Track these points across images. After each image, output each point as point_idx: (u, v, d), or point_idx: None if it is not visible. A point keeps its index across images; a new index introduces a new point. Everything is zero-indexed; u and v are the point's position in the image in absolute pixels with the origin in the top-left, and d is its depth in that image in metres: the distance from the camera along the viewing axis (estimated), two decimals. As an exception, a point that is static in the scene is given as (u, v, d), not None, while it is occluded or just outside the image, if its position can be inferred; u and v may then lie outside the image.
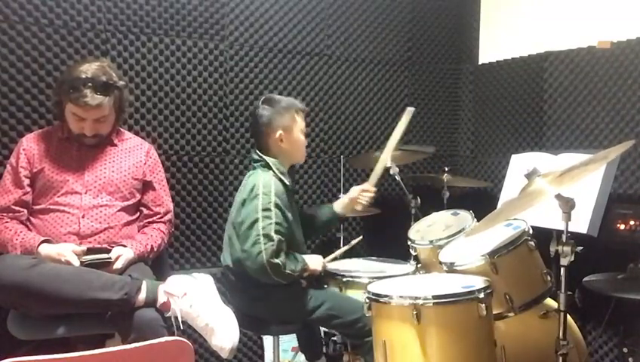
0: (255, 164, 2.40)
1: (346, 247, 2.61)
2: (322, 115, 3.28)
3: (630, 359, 2.48)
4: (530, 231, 2.21)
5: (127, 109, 2.48)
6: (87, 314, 1.97)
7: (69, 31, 2.57)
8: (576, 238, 1.99)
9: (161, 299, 1.97)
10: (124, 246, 2.16)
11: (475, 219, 2.48)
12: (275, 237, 2.19)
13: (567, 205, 1.95)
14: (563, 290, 2.01)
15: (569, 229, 1.98)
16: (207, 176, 2.93)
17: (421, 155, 3.12)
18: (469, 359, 1.91)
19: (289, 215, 2.29)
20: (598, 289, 2.21)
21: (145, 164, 2.35)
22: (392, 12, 3.48)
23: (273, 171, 2.33)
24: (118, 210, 2.23)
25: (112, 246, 2.14)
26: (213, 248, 2.95)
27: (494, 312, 2.07)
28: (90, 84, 2.10)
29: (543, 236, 2.19)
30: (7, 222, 2.13)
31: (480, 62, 3.64)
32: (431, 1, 3.62)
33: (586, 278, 2.32)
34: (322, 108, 3.28)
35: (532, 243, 2.19)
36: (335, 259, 2.59)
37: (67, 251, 2.02)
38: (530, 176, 1.97)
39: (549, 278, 2.20)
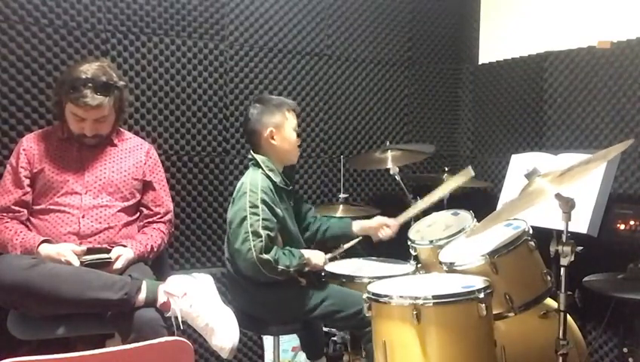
0: (249, 163, 2.41)
1: (346, 247, 2.61)
2: (322, 115, 3.28)
3: (630, 359, 2.48)
4: (530, 231, 2.21)
5: (127, 109, 2.48)
6: (87, 314, 1.97)
7: (69, 31, 2.57)
8: (576, 238, 2.00)
9: (161, 299, 1.96)
10: (124, 246, 2.16)
11: (475, 219, 2.48)
12: (263, 233, 2.18)
13: (567, 205, 1.95)
14: (563, 290, 2.01)
15: (569, 229, 1.98)
16: (207, 176, 2.93)
17: (421, 155, 3.11)
18: (469, 359, 1.91)
19: (278, 211, 2.29)
20: (598, 289, 2.21)
21: (145, 164, 2.35)
22: (392, 12, 3.48)
23: (262, 169, 2.33)
24: (118, 210, 2.23)
25: (112, 247, 2.14)
26: (213, 248, 2.95)
27: (494, 312, 2.07)
28: (90, 84, 2.10)
29: (543, 236, 2.19)
30: (7, 222, 2.13)
31: (480, 62, 3.64)
32: (431, 1, 3.62)
33: (586, 278, 2.32)
34: (322, 108, 3.28)
35: (532, 243, 2.19)
36: (335, 258, 2.59)
37: (67, 251, 2.01)
38: (530, 176, 1.97)
39: (549, 278, 2.19)
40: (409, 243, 2.58)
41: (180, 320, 1.95)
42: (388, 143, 3.09)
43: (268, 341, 2.97)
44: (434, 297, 1.87)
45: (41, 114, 2.52)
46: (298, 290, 2.33)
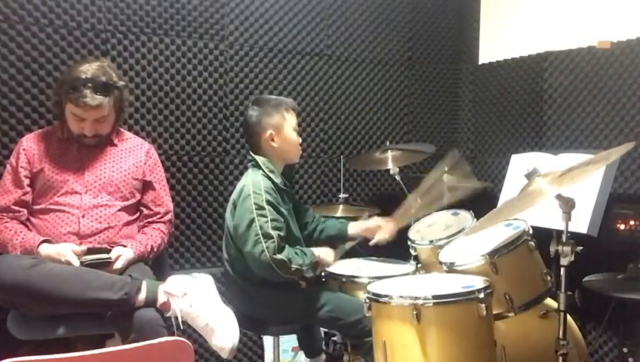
0: (248, 165, 2.40)
1: (346, 246, 2.61)
2: (322, 115, 3.28)
3: (630, 359, 2.48)
4: (530, 231, 2.21)
5: (127, 109, 2.48)
6: (87, 314, 1.97)
7: (69, 31, 2.57)
8: (576, 238, 1.99)
9: (161, 298, 1.97)
10: (124, 246, 2.16)
11: (475, 219, 2.48)
12: (274, 233, 2.17)
13: (567, 205, 1.95)
14: (563, 290, 2.01)
15: (569, 229, 1.98)
16: (207, 176, 2.93)
17: (421, 155, 3.11)
18: (469, 359, 1.91)
19: (283, 210, 2.29)
20: (598, 289, 2.21)
21: (145, 163, 2.35)
22: (392, 12, 3.48)
23: (262, 170, 2.31)
24: (118, 210, 2.23)
25: (112, 246, 2.14)
26: (213, 248, 2.95)
27: (494, 312, 2.06)
28: (90, 84, 2.11)
29: (543, 236, 2.18)
30: (7, 222, 2.13)
31: (480, 62, 3.64)
32: (431, 1, 3.62)
33: (586, 278, 2.32)
34: (322, 108, 3.28)
35: (532, 243, 2.18)
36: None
37: (67, 251, 2.01)
38: (530, 176, 1.97)
39: (549, 278, 2.19)
40: (409, 243, 2.58)
41: (179, 320, 1.95)
42: (388, 143, 3.09)
43: (268, 341, 2.97)
44: (434, 297, 1.87)
45: (41, 114, 2.52)
46: (297, 292, 2.32)
